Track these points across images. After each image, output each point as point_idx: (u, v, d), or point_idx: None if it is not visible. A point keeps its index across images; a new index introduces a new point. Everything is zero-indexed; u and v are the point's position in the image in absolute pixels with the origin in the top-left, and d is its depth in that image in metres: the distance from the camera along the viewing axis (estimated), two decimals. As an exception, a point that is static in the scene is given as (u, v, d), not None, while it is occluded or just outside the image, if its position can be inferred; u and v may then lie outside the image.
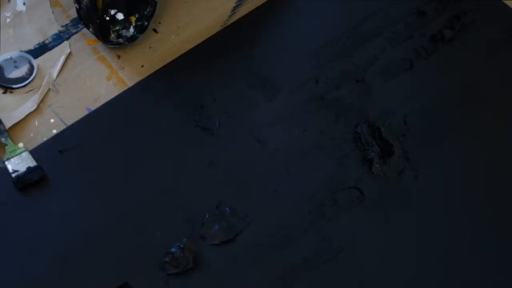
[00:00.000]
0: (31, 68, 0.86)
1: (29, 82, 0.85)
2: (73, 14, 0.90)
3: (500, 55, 0.88)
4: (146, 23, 0.86)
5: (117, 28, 0.84)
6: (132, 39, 0.86)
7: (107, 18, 0.83)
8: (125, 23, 0.84)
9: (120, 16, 0.83)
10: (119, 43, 0.86)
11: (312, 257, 0.74)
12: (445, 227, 0.76)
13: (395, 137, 0.81)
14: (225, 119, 0.83)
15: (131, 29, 0.85)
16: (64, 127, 0.82)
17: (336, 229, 0.76)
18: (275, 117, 0.83)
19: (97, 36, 0.86)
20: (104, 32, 0.84)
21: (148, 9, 0.85)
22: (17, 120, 0.82)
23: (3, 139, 0.80)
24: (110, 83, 0.86)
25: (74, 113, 0.83)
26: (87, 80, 0.86)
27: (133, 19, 0.84)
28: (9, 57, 0.87)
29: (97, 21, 0.83)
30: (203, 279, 0.73)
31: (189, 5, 0.92)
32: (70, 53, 0.88)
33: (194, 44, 0.89)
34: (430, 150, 0.81)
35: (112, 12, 0.83)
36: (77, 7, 0.85)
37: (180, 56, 0.88)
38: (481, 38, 0.89)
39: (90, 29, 0.86)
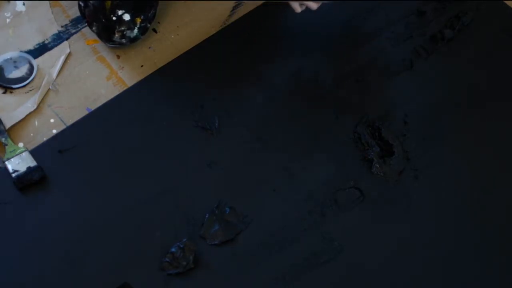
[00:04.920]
0: (31, 68, 0.86)
1: (29, 82, 0.85)
2: (73, 14, 0.90)
3: (500, 55, 0.88)
4: (148, 25, 0.86)
5: (123, 28, 0.84)
6: (134, 40, 0.86)
7: (114, 18, 0.83)
8: (131, 24, 0.84)
9: (127, 17, 0.83)
10: (121, 43, 0.86)
11: (312, 257, 0.74)
12: (445, 227, 0.76)
13: (395, 137, 0.81)
14: (225, 119, 0.83)
15: (135, 30, 0.85)
16: (64, 127, 0.82)
17: (336, 229, 0.76)
18: (275, 117, 0.83)
19: (99, 35, 0.86)
20: (108, 32, 0.84)
21: (151, 12, 0.86)
22: (17, 120, 0.82)
23: (3, 139, 0.80)
24: (110, 83, 0.86)
25: (74, 113, 0.83)
26: (87, 80, 0.86)
27: (138, 20, 0.84)
28: (9, 57, 0.87)
29: (103, 20, 0.84)
30: (203, 279, 0.73)
31: (189, 5, 0.92)
32: (69, 53, 0.88)
33: (194, 44, 0.89)
34: (430, 150, 0.81)
35: (120, 12, 0.83)
36: (82, 5, 0.85)
37: (180, 56, 0.88)
38: (481, 38, 0.89)
39: (93, 28, 0.85)
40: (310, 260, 0.74)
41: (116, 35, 0.85)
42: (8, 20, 0.90)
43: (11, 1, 0.91)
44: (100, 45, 0.88)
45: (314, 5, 0.82)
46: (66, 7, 0.91)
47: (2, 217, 0.76)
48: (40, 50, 0.88)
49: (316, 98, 0.85)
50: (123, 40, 0.85)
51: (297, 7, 0.81)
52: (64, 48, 0.88)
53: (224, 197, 0.77)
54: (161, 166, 0.79)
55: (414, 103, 0.84)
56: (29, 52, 0.88)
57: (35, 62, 0.87)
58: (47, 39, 0.89)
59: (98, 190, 0.78)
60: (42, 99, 0.84)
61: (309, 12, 0.86)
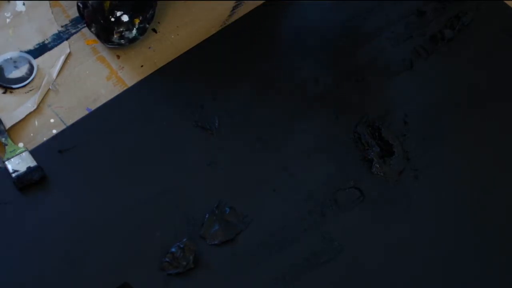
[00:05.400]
0: (31, 68, 0.86)
1: (29, 82, 0.85)
2: (73, 14, 0.90)
3: (500, 55, 0.88)
4: (147, 26, 0.86)
5: (121, 29, 0.84)
6: (132, 41, 0.86)
7: (112, 19, 0.83)
8: (129, 25, 0.84)
9: (125, 18, 0.83)
10: (120, 44, 0.86)
11: (312, 257, 0.74)
12: (445, 227, 0.76)
13: (395, 137, 0.81)
14: (225, 119, 0.83)
15: (134, 31, 0.85)
16: (64, 127, 0.82)
17: (336, 229, 0.76)
18: (275, 117, 0.83)
19: (98, 36, 0.86)
20: (106, 33, 0.84)
21: (150, 12, 0.86)
22: (17, 120, 0.82)
23: (3, 139, 0.80)
24: (110, 83, 0.86)
25: (74, 113, 0.83)
26: (87, 80, 0.86)
27: (137, 21, 0.84)
28: (9, 57, 0.87)
29: (102, 21, 0.84)
30: (203, 279, 0.73)
31: (189, 5, 0.92)
32: (69, 53, 0.88)
33: (194, 44, 0.89)
34: (430, 150, 0.81)
35: (118, 13, 0.83)
36: (81, 6, 0.85)
37: (180, 56, 0.88)
38: (481, 38, 0.89)
39: (92, 29, 0.86)
40: (310, 260, 0.74)
41: (115, 36, 0.85)
42: (8, 20, 0.90)
43: (11, 1, 0.91)
44: (100, 45, 0.88)
45: None
46: (66, 7, 0.91)
47: (2, 217, 0.76)
48: (40, 50, 0.88)
49: (316, 98, 0.85)
50: (122, 41, 0.85)
51: None
52: (64, 48, 0.88)
53: (224, 197, 0.77)
54: (161, 166, 0.79)
55: (414, 103, 0.84)
56: (29, 52, 0.88)
57: (35, 62, 0.87)
58: (47, 39, 0.89)
59: (98, 190, 0.78)
60: (42, 99, 0.84)
61: (309, 12, 0.86)
